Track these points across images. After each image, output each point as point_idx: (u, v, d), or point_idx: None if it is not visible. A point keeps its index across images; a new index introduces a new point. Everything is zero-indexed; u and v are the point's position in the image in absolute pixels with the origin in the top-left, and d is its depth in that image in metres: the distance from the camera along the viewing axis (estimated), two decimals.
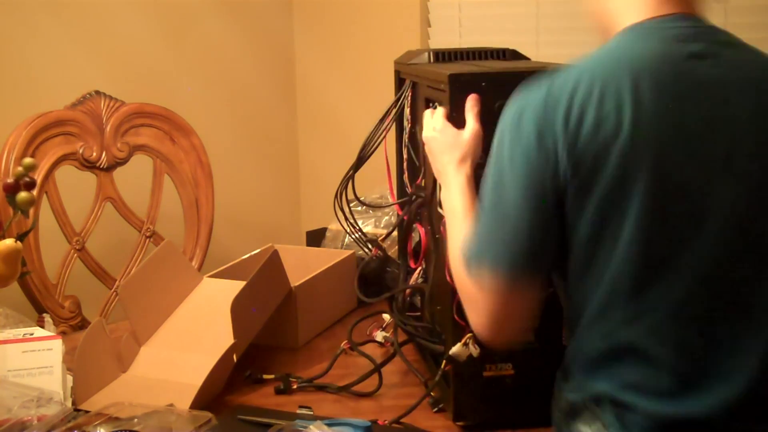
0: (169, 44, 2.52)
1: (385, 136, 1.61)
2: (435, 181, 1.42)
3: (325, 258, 1.87)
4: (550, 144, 1.08)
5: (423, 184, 1.52)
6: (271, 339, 1.67)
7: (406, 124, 1.62)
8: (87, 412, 1.32)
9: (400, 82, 1.69)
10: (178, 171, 2.20)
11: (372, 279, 1.77)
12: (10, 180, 1.50)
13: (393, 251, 1.85)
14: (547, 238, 1.11)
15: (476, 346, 1.31)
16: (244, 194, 2.74)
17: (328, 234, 2.13)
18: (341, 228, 1.78)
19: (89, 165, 2.08)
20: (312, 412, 1.39)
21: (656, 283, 1.07)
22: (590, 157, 1.06)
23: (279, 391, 1.50)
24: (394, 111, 1.62)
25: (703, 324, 1.08)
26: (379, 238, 1.74)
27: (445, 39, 2.59)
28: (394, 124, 1.64)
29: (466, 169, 1.27)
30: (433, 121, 1.34)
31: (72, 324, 1.99)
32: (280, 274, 1.65)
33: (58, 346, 1.39)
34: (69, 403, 1.37)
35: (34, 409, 1.28)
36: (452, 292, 1.31)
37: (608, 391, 1.10)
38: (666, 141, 1.06)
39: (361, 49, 2.75)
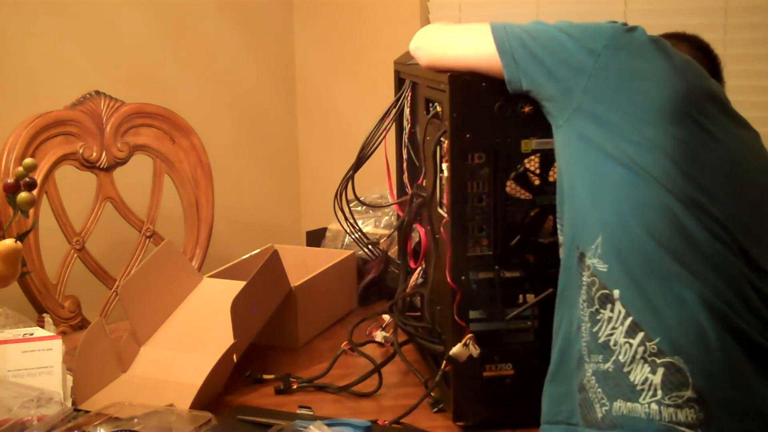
0: (169, 44, 2.52)
1: (385, 136, 1.61)
2: (435, 181, 1.42)
3: (325, 258, 1.87)
4: None
5: (423, 184, 1.52)
6: (271, 339, 1.67)
7: (406, 124, 1.62)
8: (87, 412, 1.32)
9: (400, 82, 1.69)
10: (178, 171, 2.20)
11: (372, 279, 1.78)
12: (10, 180, 1.50)
13: (393, 251, 1.85)
14: None
15: (476, 346, 1.31)
16: (244, 194, 2.74)
17: (328, 234, 2.13)
18: (341, 228, 1.78)
19: (89, 165, 2.08)
20: (312, 412, 1.39)
21: None
22: None
23: (279, 391, 1.50)
24: (393, 111, 1.62)
25: None
26: (381, 240, 1.73)
27: None
28: (394, 124, 1.64)
29: None
30: None
31: (72, 324, 1.99)
32: (280, 274, 1.65)
33: (58, 346, 1.39)
34: (69, 403, 1.36)
35: (34, 409, 1.28)
36: (452, 292, 1.32)
37: None
38: None
39: (361, 49, 2.75)
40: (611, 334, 1.12)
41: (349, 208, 1.67)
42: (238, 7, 2.70)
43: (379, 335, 1.68)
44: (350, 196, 1.68)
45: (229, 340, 1.47)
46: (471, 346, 1.31)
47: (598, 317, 1.14)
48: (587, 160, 1.16)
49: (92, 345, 1.45)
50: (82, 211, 2.09)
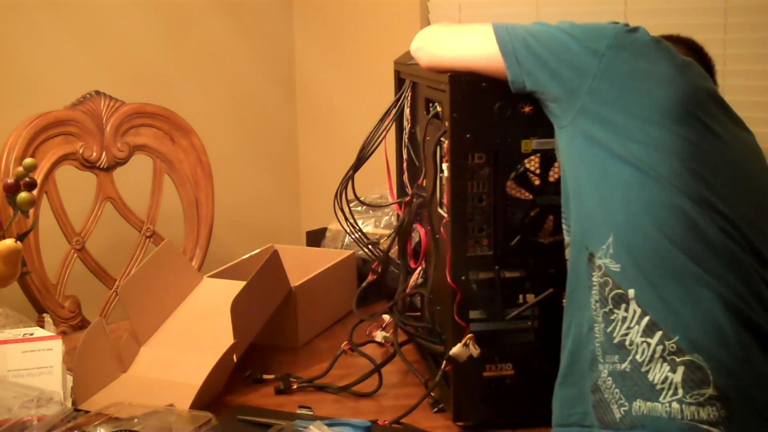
0: (169, 44, 2.52)
1: (385, 136, 1.61)
2: (435, 181, 1.42)
3: (325, 258, 1.87)
4: None
5: (424, 184, 1.52)
6: (271, 339, 1.67)
7: (406, 124, 1.62)
8: (87, 412, 1.32)
9: (400, 82, 1.69)
10: (178, 171, 2.20)
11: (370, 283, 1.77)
12: (10, 180, 1.50)
13: (393, 251, 1.85)
14: None
15: (476, 346, 1.31)
16: (244, 194, 2.74)
17: (328, 234, 2.13)
18: (341, 228, 1.78)
19: (89, 165, 2.08)
20: (312, 412, 1.39)
21: None
22: None
23: (279, 391, 1.50)
24: (394, 111, 1.62)
25: None
26: (381, 240, 1.73)
27: None
28: (394, 124, 1.64)
29: None
30: None
31: (72, 324, 1.99)
32: (280, 274, 1.65)
33: (58, 346, 1.39)
34: (69, 403, 1.36)
35: (34, 409, 1.28)
36: (452, 292, 1.32)
37: None
38: None
39: (361, 49, 2.75)
40: (626, 334, 1.12)
41: (349, 208, 1.67)
42: (238, 7, 2.70)
43: (379, 335, 1.68)
44: (350, 196, 1.68)
45: (229, 340, 1.47)
46: (471, 346, 1.31)
47: (612, 317, 1.13)
48: (594, 160, 1.16)
49: (92, 345, 1.45)
50: (82, 211, 2.09)
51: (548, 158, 1.32)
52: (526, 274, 1.35)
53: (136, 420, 1.23)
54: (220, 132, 2.61)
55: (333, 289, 1.82)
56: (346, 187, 1.65)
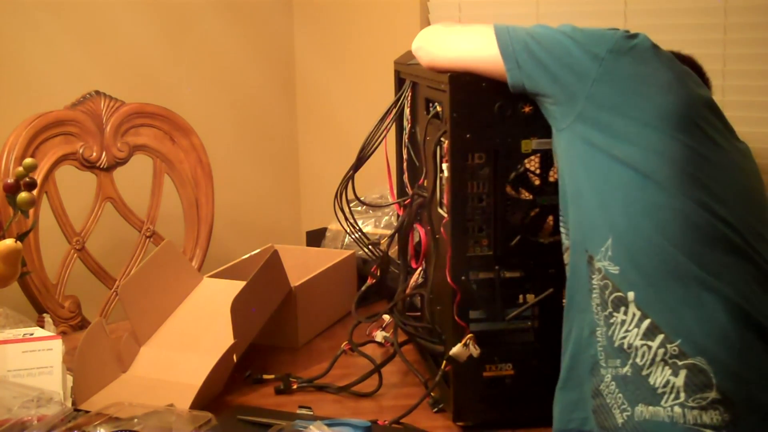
0: (169, 44, 2.52)
1: (385, 136, 1.61)
2: (435, 181, 1.42)
3: (325, 258, 1.87)
4: None
5: (425, 184, 1.52)
6: (271, 339, 1.67)
7: (406, 124, 1.62)
8: (87, 412, 1.32)
9: (400, 82, 1.69)
10: (178, 171, 2.20)
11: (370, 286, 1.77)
12: (10, 180, 1.50)
13: (393, 251, 1.85)
14: None
15: (476, 346, 1.31)
16: (244, 194, 2.74)
17: (328, 234, 2.13)
18: (341, 228, 1.78)
19: (89, 165, 2.08)
20: (312, 412, 1.39)
21: None
22: None
23: (279, 391, 1.50)
24: (394, 111, 1.62)
25: None
26: (382, 241, 1.73)
27: None
28: (394, 124, 1.64)
29: None
30: None
31: (72, 324, 1.99)
32: (280, 274, 1.65)
33: (58, 346, 1.39)
34: (69, 403, 1.36)
35: (34, 409, 1.28)
36: (452, 292, 1.32)
37: None
38: None
39: (361, 49, 2.75)
40: (624, 337, 1.11)
41: (349, 208, 1.67)
42: (238, 8, 2.70)
43: (379, 335, 1.68)
44: (350, 196, 1.68)
45: (229, 340, 1.47)
46: (471, 346, 1.31)
47: (612, 320, 1.13)
48: (593, 163, 1.16)
49: (92, 345, 1.45)
50: (82, 211, 2.09)
51: (548, 158, 1.32)
52: (526, 274, 1.35)
53: (136, 420, 1.23)
54: (220, 132, 2.61)
55: (333, 289, 1.82)
56: (346, 187, 1.65)
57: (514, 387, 1.35)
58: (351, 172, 1.64)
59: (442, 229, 1.38)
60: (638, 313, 1.10)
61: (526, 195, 1.34)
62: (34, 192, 1.53)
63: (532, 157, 1.33)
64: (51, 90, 2.20)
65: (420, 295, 1.56)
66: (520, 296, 1.35)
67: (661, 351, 1.08)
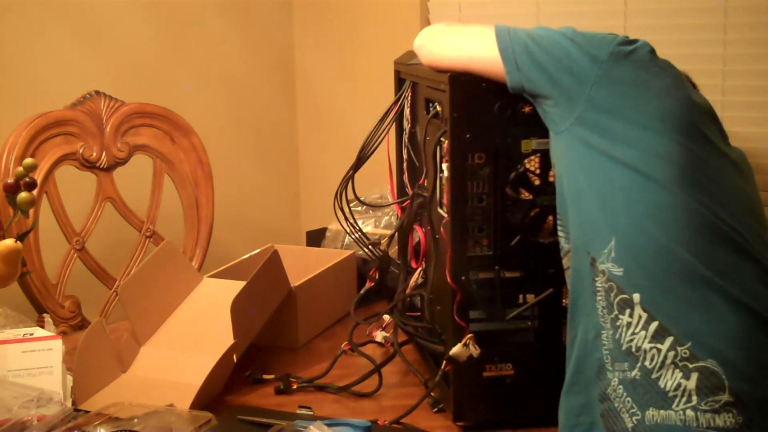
0: (169, 44, 2.52)
1: (385, 136, 1.61)
2: (435, 181, 1.42)
3: (325, 258, 1.87)
4: None
5: (425, 184, 1.52)
6: (271, 339, 1.67)
7: (406, 124, 1.62)
8: (87, 412, 1.32)
9: (400, 82, 1.69)
10: (178, 171, 2.20)
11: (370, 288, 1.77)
12: (10, 180, 1.50)
13: (393, 251, 1.85)
14: None
15: (476, 346, 1.31)
16: (244, 194, 2.74)
17: (328, 234, 2.13)
18: (341, 228, 1.78)
19: (89, 165, 2.08)
20: (312, 412, 1.39)
21: None
22: None
23: (279, 391, 1.50)
24: (394, 111, 1.62)
25: None
26: (383, 241, 1.73)
27: None
28: (394, 124, 1.64)
29: None
30: None
31: (72, 324, 1.99)
32: (280, 274, 1.65)
33: (58, 346, 1.39)
34: (69, 403, 1.36)
35: (34, 409, 1.28)
36: (452, 292, 1.32)
37: None
38: None
39: (361, 49, 2.75)
40: (632, 340, 1.11)
41: (349, 208, 1.67)
42: (238, 7, 2.70)
43: (379, 335, 1.68)
44: (350, 196, 1.68)
45: (229, 340, 1.47)
46: (471, 346, 1.31)
47: (618, 323, 1.12)
48: (593, 165, 1.15)
49: (92, 345, 1.45)
50: (82, 211, 2.09)
51: (548, 158, 1.32)
52: (526, 274, 1.35)
53: (136, 420, 1.23)
54: (220, 132, 2.61)
55: (333, 289, 1.82)
56: (346, 187, 1.65)
57: (514, 387, 1.35)
58: (351, 172, 1.64)
59: (442, 229, 1.38)
60: (644, 315, 1.10)
61: (526, 195, 1.34)
62: (34, 192, 1.53)
63: (532, 157, 1.33)
64: (51, 90, 2.20)
65: (420, 295, 1.56)
66: (520, 296, 1.35)
67: (671, 354, 1.08)
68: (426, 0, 2.66)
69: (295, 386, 1.51)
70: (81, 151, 2.05)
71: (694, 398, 1.06)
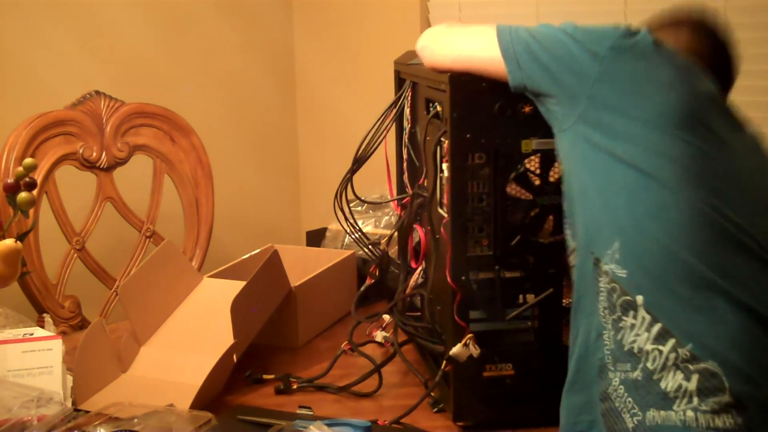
0: (169, 44, 2.52)
1: (385, 136, 1.61)
2: (435, 181, 1.42)
3: (325, 258, 1.87)
4: None
5: (425, 184, 1.52)
6: (271, 339, 1.67)
7: (407, 124, 1.62)
8: (87, 412, 1.32)
9: (400, 82, 1.69)
10: (178, 171, 2.20)
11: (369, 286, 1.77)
12: (10, 180, 1.50)
13: (393, 251, 1.85)
14: None
15: (476, 346, 1.31)
16: (244, 194, 2.74)
17: (328, 234, 2.13)
18: (341, 228, 1.78)
19: (89, 165, 2.08)
20: (312, 412, 1.39)
21: None
22: None
23: (279, 391, 1.50)
24: (394, 111, 1.62)
25: None
26: (383, 241, 1.73)
27: None
28: (395, 124, 1.64)
29: None
30: None
31: (72, 324, 1.99)
32: (280, 274, 1.65)
33: (58, 346, 1.39)
34: (69, 403, 1.36)
35: (34, 409, 1.28)
36: (452, 292, 1.32)
37: None
38: None
39: (361, 49, 2.75)
40: (634, 341, 1.10)
41: (349, 207, 1.67)
42: (238, 7, 2.70)
43: (379, 335, 1.68)
44: (350, 196, 1.68)
45: (229, 340, 1.47)
46: (471, 346, 1.31)
47: (621, 324, 1.12)
48: (596, 164, 1.15)
49: (92, 345, 1.45)
50: (82, 211, 2.09)
51: (548, 158, 1.32)
52: (526, 274, 1.35)
53: (136, 420, 1.23)
54: (220, 132, 2.61)
55: (333, 289, 1.82)
56: (346, 187, 1.65)
57: (514, 387, 1.35)
58: (350, 172, 1.64)
59: (442, 229, 1.38)
60: (648, 317, 1.09)
61: (526, 195, 1.34)
62: (34, 192, 1.53)
63: (532, 157, 1.33)
64: (51, 90, 2.20)
65: (420, 295, 1.56)
66: (520, 296, 1.35)
67: (672, 355, 1.07)
68: (426, 0, 2.66)
69: (295, 386, 1.51)
70: (81, 151, 2.05)
71: (695, 399, 1.06)
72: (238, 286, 1.53)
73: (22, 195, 1.50)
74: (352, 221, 1.68)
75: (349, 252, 1.92)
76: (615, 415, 1.12)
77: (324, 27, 2.82)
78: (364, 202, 1.76)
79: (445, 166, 1.34)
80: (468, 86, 1.29)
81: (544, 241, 1.34)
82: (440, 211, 1.41)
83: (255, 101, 2.79)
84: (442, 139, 1.36)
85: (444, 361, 1.34)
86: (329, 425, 1.22)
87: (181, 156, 2.20)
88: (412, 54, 1.65)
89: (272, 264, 1.61)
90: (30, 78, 2.20)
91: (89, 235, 2.08)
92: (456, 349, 1.31)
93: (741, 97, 2.13)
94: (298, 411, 1.39)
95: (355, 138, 1.63)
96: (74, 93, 2.07)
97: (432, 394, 1.41)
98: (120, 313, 1.70)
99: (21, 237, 1.51)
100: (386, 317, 1.70)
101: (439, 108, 1.39)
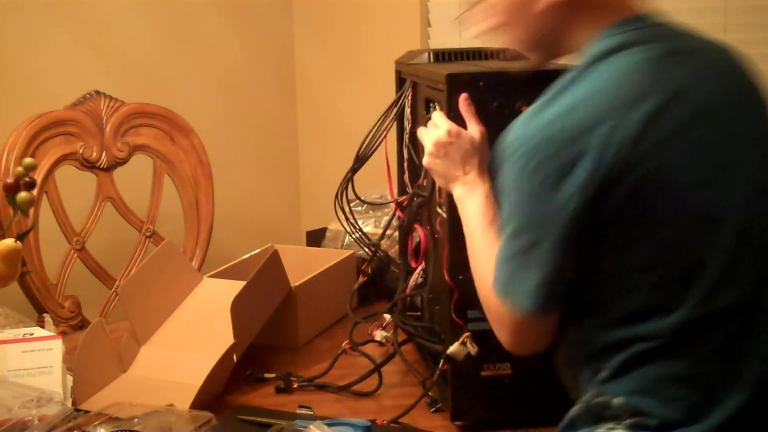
0: (169, 44, 2.52)
1: (385, 136, 1.61)
2: (435, 181, 1.42)
3: (325, 258, 1.87)
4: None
5: (425, 184, 1.52)
6: (271, 339, 1.67)
7: (407, 124, 1.62)
8: (87, 412, 1.32)
9: (400, 82, 1.69)
10: (178, 171, 2.20)
11: (372, 278, 1.77)
12: (10, 180, 1.50)
13: (393, 251, 1.85)
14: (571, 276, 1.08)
15: (474, 344, 1.31)
16: (244, 194, 2.74)
17: (328, 234, 2.13)
18: (341, 228, 1.78)
19: (89, 165, 2.08)
20: (312, 412, 1.39)
21: None
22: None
23: (279, 390, 1.50)
24: (394, 111, 1.62)
25: None
26: (375, 239, 1.73)
27: (445, 39, 2.59)
28: (395, 123, 1.64)
29: (486, 175, 1.25)
30: (440, 128, 1.29)
31: (72, 324, 1.99)
32: (280, 274, 1.65)
33: (58, 346, 1.39)
34: (69, 403, 1.37)
35: (35, 409, 1.28)
36: (451, 292, 1.32)
37: None
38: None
39: (361, 49, 2.75)
40: None
41: (350, 207, 1.67)
42: (238, 7, 2.70)
43: (378, 335, 1.68)
44: (350, 196, 1.68)
45: (229, 340, 1.47)
46: (468, 345, 1.31)
47: None
48: None
49: (92, 345, 1.45)
50: (82, 211, 2.09)
51: None
52: None
53: (136, 420, 1.23)
54: (220, 132, 2.61)
55: (333, 289, 1.82)
56: (346, 187, 1.65)
57: (512, 386, 1.35)
58: (351, 172, 1.64)
59: (439, 228, 1.38)
60: None
61: None
62: (34, 192, 1.54)
63: None
64: (51, 90, 2.20)
65: (420, 295, 1.57)
66: None
67: None
68: (426, 0, 2.66)
69: (295, 385, 1.51)
70: (81, 151, 2.05)
71: None
72: (238, 286, 1.53)
73: (22, 195, 1.50)
74: (352, 221, 1.68)
75: (349, 252, 1.92)
76: None
77: (324, 27, 2.82)
78: (364, 202, 1.76)
79: None
80: (466, 86, 1.29)
81: None
82: (439, 210, 1.41)
83: (255, 101, 2.79)
84: None
85: (442, 360, 1.34)
86: (329, 425, 1.22)
87: (181, 156, 2.20)
88: (413, 54, 1.66)
89: (272, 264, 1.61)
90: (30, 78, 2.20)
91: (89, 235, 2.08)
92: (453, 348, 1.31)
93: None
94: (298, 411, 1.39)
95: (356, 138, 1.63)
96: (74, 93, 2.08)
97: (430, 393, 1.41)
98: (120, 313, 1.71)
99: (21, 237, 1.51)
100: (386, 316, 1.70)
101: (438, 108, 1.39)
